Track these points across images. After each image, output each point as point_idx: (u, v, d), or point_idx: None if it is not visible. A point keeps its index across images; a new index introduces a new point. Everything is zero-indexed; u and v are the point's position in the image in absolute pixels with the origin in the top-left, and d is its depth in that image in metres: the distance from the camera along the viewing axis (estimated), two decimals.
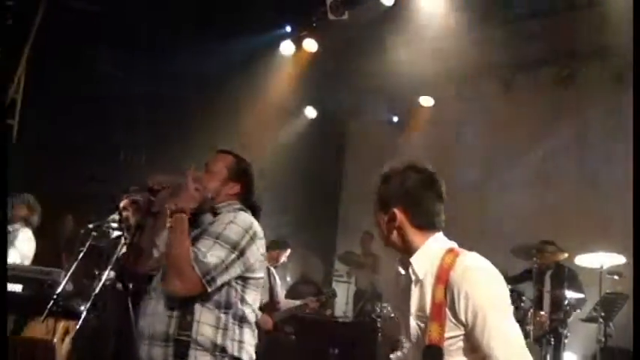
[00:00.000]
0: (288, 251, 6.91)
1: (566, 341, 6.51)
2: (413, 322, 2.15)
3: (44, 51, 7.98)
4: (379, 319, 8.28)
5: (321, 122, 10.80)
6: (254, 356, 2.71)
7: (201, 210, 2.75)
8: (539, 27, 8.61)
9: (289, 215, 10.74)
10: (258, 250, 2.70)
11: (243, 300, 2.67)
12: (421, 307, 2.13)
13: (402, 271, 2.26)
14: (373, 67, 9.33)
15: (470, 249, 2.21)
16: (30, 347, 5.25)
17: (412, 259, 2.18)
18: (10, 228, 5.46)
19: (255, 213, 2.84)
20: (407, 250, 2.22)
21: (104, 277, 3.08)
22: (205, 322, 2.54)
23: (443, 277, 2.07)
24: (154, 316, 2.57)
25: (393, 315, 8.28)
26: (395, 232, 2.23)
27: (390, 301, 6.98)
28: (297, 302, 6.72)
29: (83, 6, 8.09)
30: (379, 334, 8.21)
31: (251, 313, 2.71)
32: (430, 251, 2.19)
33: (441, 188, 2.30)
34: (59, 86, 8.49)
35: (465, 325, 2.03)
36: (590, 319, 6.51)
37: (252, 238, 2.67)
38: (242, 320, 2.66)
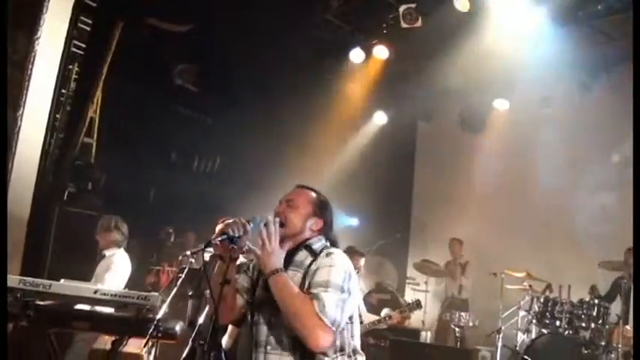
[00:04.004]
0: (363, 260, 6.79)
1: None
2: None
3: (120, 69, 8.16)
4: (458, 329, 8.21)
5: (391, 127, 10.75)
6: None
7: (295, 247, 2.78)
8: (620, 24, 8.30)
9: (360, 221, 10.76)
10: (356, 285, 2.74)
11: (353, 335, 2.73)
12: None
13: None
14: (446, 71, 9.21)
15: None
16: None
17: None
18: (106, 253, 5.67)
19: (336, 246, 2.86)
20: None
21: (206, 309, 3.14)
22: None
23: None
24: None
25: (472, 324, 8.21)
26: None
27: None
28: (381, 315, 6.66)
29: (169, 27, 8.24)
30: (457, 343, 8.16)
31: (358, 341, 2.77)
32: None
33: None
34: (134, 102, 8.73)
35: None
36: None
37: (350, 275, 2.69)
38: (354, 353, 2.72)
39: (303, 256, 2.75)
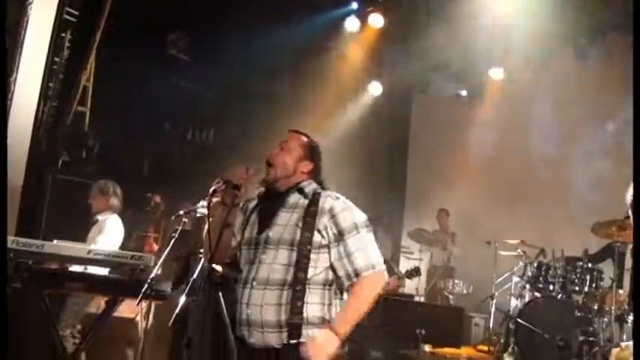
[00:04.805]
0: None
1: None
2: None
3: (113, 38, 8.06)
4: (451, 296, 8.26)
5: (387, 97, 10.69)
6: None
7: (287, 189, 2.90)
8: None
9: (356, 190, 10.73)
10: None
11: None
12: None
13: None
14: (440, 40, 9.14)
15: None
16: (118, 324, 5.55)
17: None
18: (99, 217, 5.66)
19: (324, 189, 2.98)
20: None
21: (200, 265, 3.15)
22: (314, 302, 2.73)
23: None
24: (263, 307, 2.69)
25: (465, 292, 8.25)
26: None
27: None
28: None
29: None
30: None
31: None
32: None
33: None
34: (127, 71, 8.64)
35: None
36: None
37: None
38: (340, 292, 2.87)
39: (295, 198, 2.90)
